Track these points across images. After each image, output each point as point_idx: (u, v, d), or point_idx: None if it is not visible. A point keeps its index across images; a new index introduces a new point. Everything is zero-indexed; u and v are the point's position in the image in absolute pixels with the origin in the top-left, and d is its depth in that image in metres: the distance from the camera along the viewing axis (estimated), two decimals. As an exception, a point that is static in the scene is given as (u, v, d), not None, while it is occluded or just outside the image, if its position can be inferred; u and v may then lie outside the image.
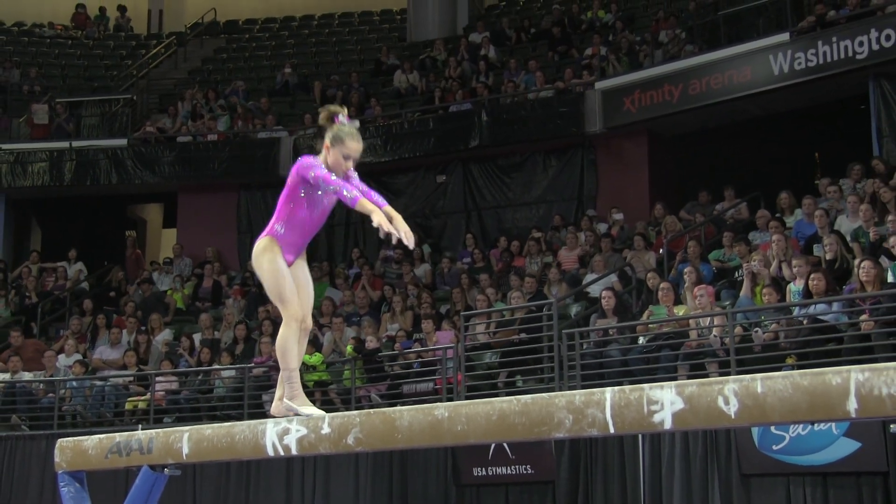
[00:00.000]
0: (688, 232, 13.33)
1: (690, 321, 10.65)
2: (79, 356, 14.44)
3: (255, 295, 15.73)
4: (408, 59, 19.77)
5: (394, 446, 4.46)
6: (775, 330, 9.96)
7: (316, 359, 12.68)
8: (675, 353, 10.40)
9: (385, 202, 4.92)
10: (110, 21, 24.96)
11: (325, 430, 4.51)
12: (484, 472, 10.92)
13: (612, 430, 3.69)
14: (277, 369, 12.25)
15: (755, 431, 9.22)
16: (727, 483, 9.42)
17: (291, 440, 4.61)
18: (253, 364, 13.03)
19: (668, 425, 3.56)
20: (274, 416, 4.98)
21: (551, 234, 15.31)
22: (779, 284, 10.47)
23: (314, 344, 13.06)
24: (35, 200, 19.51)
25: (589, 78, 16.34)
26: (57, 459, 5.67)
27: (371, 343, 12.59)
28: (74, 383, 13.73)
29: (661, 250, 13.05)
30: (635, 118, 15.46)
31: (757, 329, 10.01)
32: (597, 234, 14.48)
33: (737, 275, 11.65)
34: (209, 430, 5.04)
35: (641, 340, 10.97)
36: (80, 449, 5.60)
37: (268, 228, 5.04)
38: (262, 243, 5.03)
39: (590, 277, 13.13)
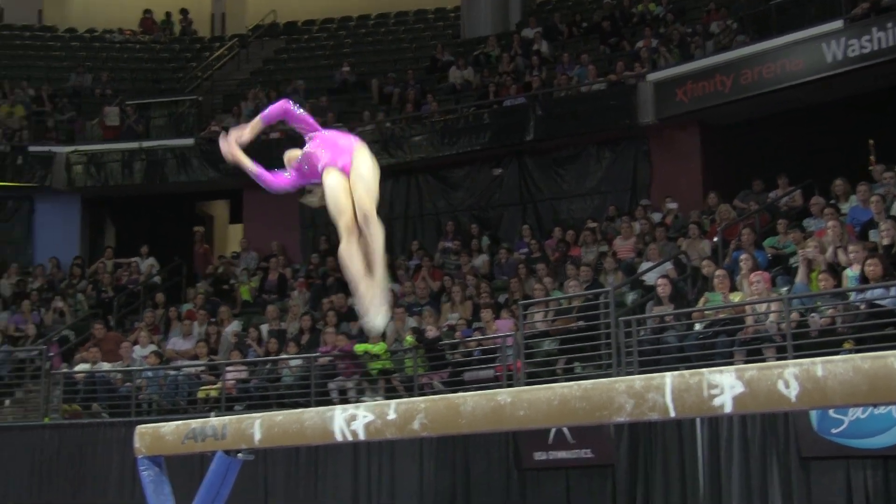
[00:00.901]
0: (742, 220, 13.44)
1: (746, 307, 10.72)
2: (153, 347, 14.92)
3: (319, 287, 16.19)
4: (462, 56, 20.01)
5: (458, 431, 4.49)
6: (832, 315, 9.98)
7: (380, 347, 13.00)
8: (731, 340, 10.47)
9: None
10: (175, 25, 25.54)
11: (392, 415, 4.53)
12: (545, 457, 11.03)
13: (672, 414, 3.68)
14: (342, 358, 12.68)
15: (814, 415, 9.20)
16: (786, 467, 9.42)
17: (359, 426, 4.64)
18: (318, 353, 13.34)
19: (728, 409, 3.53)
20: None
21: (606, 224, 15.53)
22: (835, 270, 10.46)
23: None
24: (108, 199, 20.10)
25: (641, 70, 16.51)
26: (136, 445, 5.84)
27: (432, 332, 12.84)
28: (150, 373, 14.24)
29: (715, 238, 13.20)
30: (687, 108, 15.53)
31: (814, 314, 10.07)
32: (651, 223, 14.68)
33: (791, 262, 11.76)
34: (280, 416, 5.15)
35: (698, 327, 11.04)
36: (157, 435, 5.76)
37: (311, 168, 5.40)
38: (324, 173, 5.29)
39: (645, 266, 13.36)
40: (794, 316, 10.06)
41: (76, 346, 16.22)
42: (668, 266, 13.07)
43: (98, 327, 15.55)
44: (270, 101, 19.60)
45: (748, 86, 14.85)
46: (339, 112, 19.54)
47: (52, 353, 15.06)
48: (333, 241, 18.00)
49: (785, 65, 14.52)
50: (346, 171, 5.21)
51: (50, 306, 17.07)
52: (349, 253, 5.02)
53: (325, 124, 18.59)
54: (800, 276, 10.85)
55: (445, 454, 11.63)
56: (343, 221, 5.05)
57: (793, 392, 3.39)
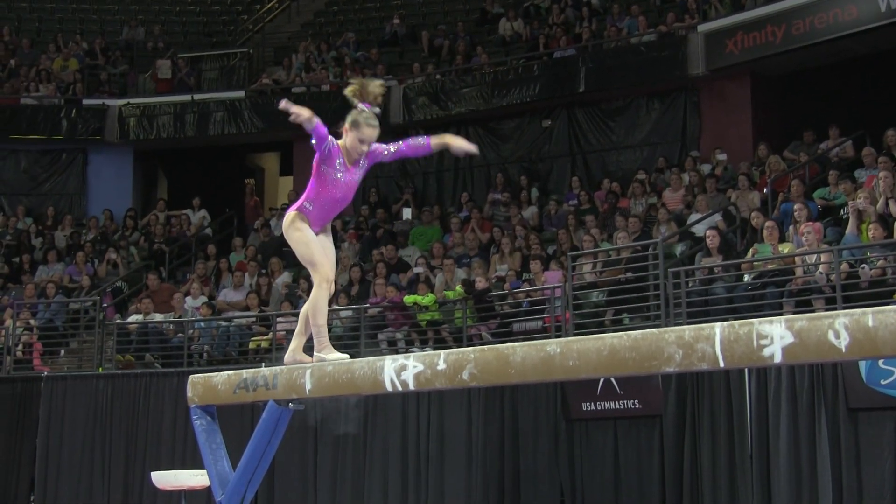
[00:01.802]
0: (792, 171, 13.33)
1: (796, 258, 10.70)
2: (204, 298, 15.17)
3: (368, 238, 16.31)
4: (512, 7, 19.84)
5: (507, 381, 4.43)
6: (882, 266, 9.95)
7: (429, 299, 13.06)
8: (780, 291, 10.43)
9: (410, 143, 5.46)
10: (227, -23, 25.64)
11: (441, 365, 4.49)
12: (592, 407, 11.09)
13: (721, 365, 3.65)
14: (392, 309, 12.80)
15: (863, 366, 9.17)
16: (834, 417, 9.38)
17: (409, 376, 4.62)
18: (368, 304, 13.51)
19: (777, 359, 3.50)
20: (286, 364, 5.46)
21: (655, 175, 15.46)
22: (885, 221, 10.38)
23: (427, 284, 13.54)
24: (160, 152, 20.33)
25: (691, 21, 16.32)
26: (189, 395, 5.81)
27: (481, 283, 12.89)
28: (202, 324, 14.49)
29: (765, 190, 13.11)
30: (738, 60, 15.35)
31: (864, 266, 10.02)
32: (700, 174, 14.58)
33: (842, 213, 11.65)
34: (330, 366, 5.10)
35: (746, 278, 11.00)
36: (210, 385, 5.72)
37: (297, 203, 5.41)
38: (290, 216, 5.40)
39: (693, 217, 13.29)
40: (844, 267, 9.97)
41: (129, 297, 16.53)
42: (718, 218, 13.02)
43: (152, 278, 15.82)
44: (321, 54, 19.82)
45: (800, 36, 14.63)
46: (389, 64, 19.56)
47: (105, 304, 15.34)
48: (383, 192, 18.31)
49: (838, 14, 14.28)
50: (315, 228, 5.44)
51: (103, 258, 17.35)
52: (325, 299, 5.34)
53: (375, 76, 18.73)
54: (850, 228, 10.77)
55: (494, 405, 11.70)
56: (322, 272, 5.32)
57: (843, 342, 3.34)
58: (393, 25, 20.72)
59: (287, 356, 5.54)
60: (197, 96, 19.62)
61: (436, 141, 5.39)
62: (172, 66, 20.25)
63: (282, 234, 6.23)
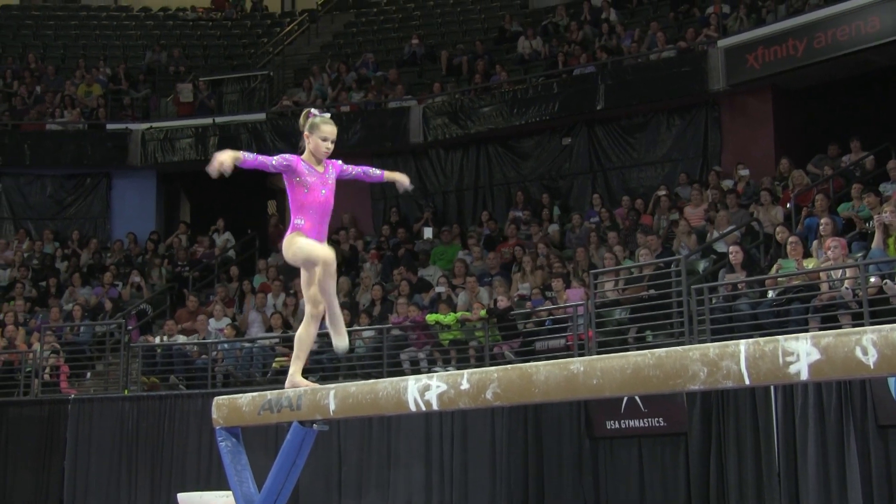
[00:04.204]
0: (815, 185, 13.26)
1: (821, 274, 10.60)
2: (228, 320, 15.23)
3: (390, 258, 16.33)
4: (530, 26, 19.92)
5: (530, 400, 4.44)
6: (910, 281, 9.87)
7: (450, 318, 13.09)
8: (805, 307, 10.35)
9: (370, 171, 5.89)
10: (246, 2, 25.81)
11: (465, 385, 4.51)
12: (617, 425, 11.03)
13: (747, 382, 3.63)
14: (414, 329, 12.78)
15: (892, 382, 9.08)
16: (863, 434, 9.28)
17: (432, 396, 4.64)
18: (391, 324, 13.53)
19: (804, 376, 3.47)
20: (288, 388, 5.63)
21: (677, 191, 15.42)
22: (912, 235, 10.37)
23: (448, 303, 13.53)
24: (183, 174, 20.42)
25: (711, 36, 16.30)
26: (214, 416, 5.86)
27: (503, 302, 12.89)
28: (226, 345, 14.55)
29: (788, 205, 13.03)
30: (759, 74, 15.31)
31: (887, 280, 9.94)
32: (723, 190, 14.53)
33: (868, 226, 11.58)
34: (354, 387, 5.13)
35: (771, 294, 10.93)
36: (234, 406, 5.77)
37: (290, 227, 5.67)
38: (287, 239, 5.66)
39: (716, 233, 13.22)
40: (872, 281, 9.88)
41: (154, 320, 16.62)
42: (740, 233, 12.94)
43: (192, 300, 15.99)
44: (341, 75, 19.92)
45: (822, 49, 14.58)
46: (409, 84, 19.62)
47: (130, 327, 15.42)
48: (404, 212, 18.32)
49: (860, 26, 14.22)
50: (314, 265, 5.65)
51: (127, 281, 17.45)
52: (312, 332, 5.75)
53: (390, 97, 18.79)
54: (876, 242, 10.68)
55: (518, 423, 11.67)
56: (315, 308, 5.70)
57: (871, 359, 3.30)
58: (412, 45, 20.80)
59: (287, 381, 5.74)
60: (218, 119, 19.77)
61: (388, 175, 5.94)
62: (194, 89, 20.41)
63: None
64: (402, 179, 5.97)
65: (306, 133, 5.67)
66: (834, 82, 15.34)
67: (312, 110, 5.76)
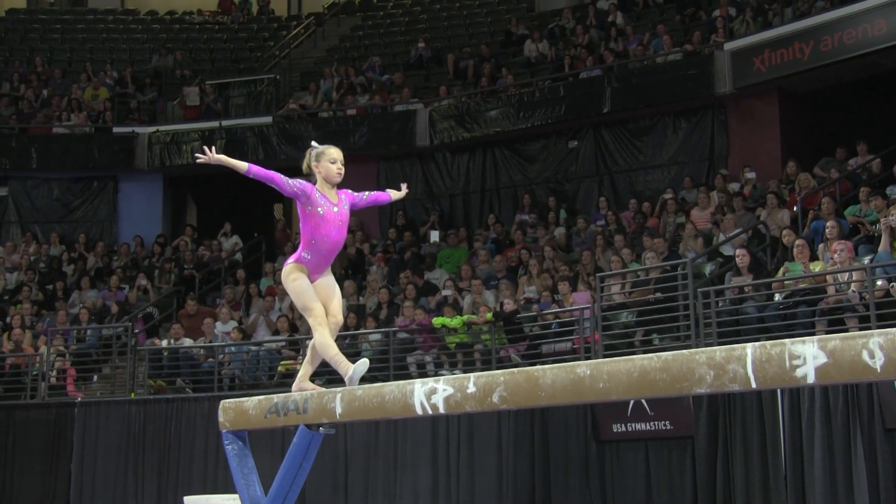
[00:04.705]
0: (822, 188, 13.24)
1: (828, 277, 10.57)
2: (234, 323, 15.24)
3: (396, 261, 16.33)
4: (537, 29, 19.90)
5: (537, 404, 4.45)
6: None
7: (457, 321, 13.09)
8: (812, 310, 10.33)
9: (376, 195, 6.06)
10: (253, 5, 25.87)
11: (471, 389, 4.52)
12: (623, 429, 11.05)
13: (753, 385, 3.64)
14: (420, 332, 12.81)
15: (899, 385, 9.06)
16: (870, 437, 9.28)
17: (439, 399, 4.66)
18: (397, 328, 13.53)
19: (811, 380, 3.48)
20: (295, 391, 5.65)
21: (683, 193, 15.41)
22: (919, 238, 10.34)
23: (455, 307, 13.54)
24: (189, 177, 20.44)
25: (717, 39, 16.29)
26: (221, 419, 5.89)
27: (509, 305, 12.89)
28: (232, 349, 14.56)
29: (794, 208, 13.02)
30: (765, 77, 15.28)
31: (893, 284, 9.89)
32: (729, 193, 14.52)
33: (875, 229, 11.54)
34: (360, 390, 5.16)
35: (777, 298, 10.95)
36: (241, 409, 5.80)
37: (295, 255, 5.74)
38: (287, 268, 5.75)
39: (723, 236, 13.21)
40: (878, 285, 9.86)
41: (160, 323, 16.64)
42: (746, 236, 12.93)
43: (191, 303, 15.97)
44: (349, 78, 19.94)
45: (828, 52, 14.55)
46: (415, 87, 19.64)
47: (137, 330, 15.44)
48: (410, 215, 18.32)
49: (867, 29, 14.19)
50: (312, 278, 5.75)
51: (134, 284, 17.48)
52: (329, 337, 5.62)
53: (397, 101, 18.78)
54: (882, 245, 10.66)
55: (524, 427, 11.69)
56: (316, 315, 5.63)
57: (878, 362, 3.32)
58: (418, 49, 20.81)
59: (294, 384, 5.80)
60: (225, 122, 19.79)
61: (392, 194, 6.12)
62: (200, 92, 20.45)
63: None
64: (401, 193, 6.14)
65: (314, 164, 5.71)
66: (840, 85, 15.32)
67: (312, 143, 5.85)
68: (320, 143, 5.96)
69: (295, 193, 5.57)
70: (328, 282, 5.81)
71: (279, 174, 5.53)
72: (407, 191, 6.17)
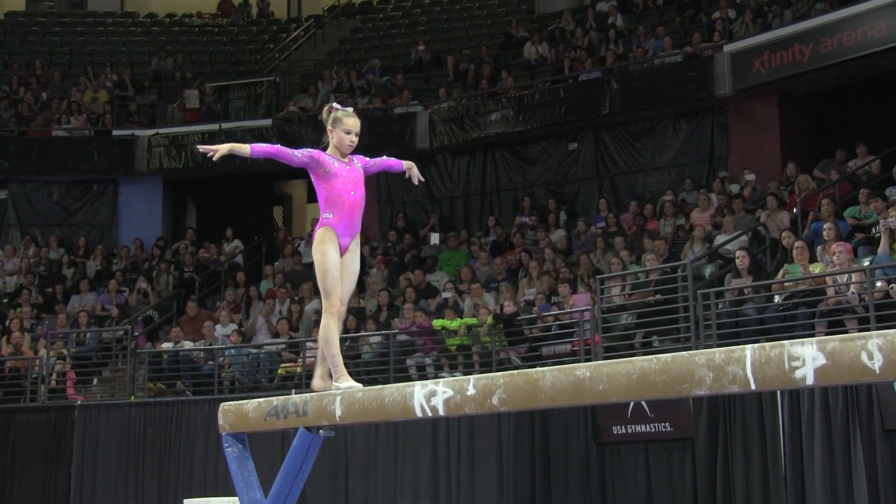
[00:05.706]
0: (822, 190, 13.25)
1: (827, 278, 10.57)
2: (234, 326, 15.24)
3: (396, 264, 16.34)
4: (537, 31, 19.92)
5: (537, 406, 4.43)
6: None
7: (457, 324, 13.10)
8: (811, 311, 10.35)
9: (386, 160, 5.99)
10: (252, 8, 25.90)
11: (471, 391, 4.50)
12: (623, 430, 11.06)
13: (753, 387, 3.63)
14: (421, 334, 12.80)
15: (898, 386, 9.05)
16: (870, 438, 9.29)
17: (438, 401, 4.63)
18: (397, 330, 13.53)
19: (810, 381, 3.48)
20: (315, 391, 5.56)
21: (683, 196, 15.42)
22: (918, 240, 10.35)
23: (455, 309, 13.54)
24: (189, 180, 20.47)
25: (717, 41, 16.30)
26: (221, 422, 5.85)
27: (509, 307, 12.91)
28: (232, 351, 14.57)
29: (794, 209, 13.03)
30: (765, 79, 15.29)
31: (892, 285, 9.91)
32: (729, 195, 14.53)
33: (874, 231, 11.56)
34: (360, 392, 5.13)
35: (777, 299, 10.95)
36: (241, 412, 5.76)
37: (319, 221, 5.62)
38: (318, 234, 5.59)
39: (722, 238, 13.22)
40: (877, 286, 9.88)
41: (160, 326, 16.64)
42: (746, 238, 12.94)
43: (191, 305, 15.98)
44: (348, 80, 19.96)
45: (828, 54, 14.56)
46: (415, 90, 19.65)
47: (136, 333, 15.45)
48: (411, 217, 18.33)
49: (866, 31, 14.20)
50: (342, 250, 5.59)
51: (134, 287, 17.49)
52: (335, 328, 5.50)
53: (397, 103, 18.81)
54: (882, 247, 10.66)
55: (524, 429, 11.69)
56: (332, 301, 5.48)
57: (877, 363, 3.30)
58: (418, 51, 20.83)
59: (314, 382, 5.72)
60: (224, 125, 19.79)
61: (406, 163, 6.03)
62: (200, 95, 20.46)
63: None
64: (415, 171, 6.04)
65: (329, 128, 5.62)
66: (840, 87, 15.34)
67: (334, 104, 5.71)
68: (320, 143, 5.93)
69: (304, 162, 5.49)
70: (351, 262, 5.66)
71: (283, 147, 5.46)
72: (419, 181, 6.05)
